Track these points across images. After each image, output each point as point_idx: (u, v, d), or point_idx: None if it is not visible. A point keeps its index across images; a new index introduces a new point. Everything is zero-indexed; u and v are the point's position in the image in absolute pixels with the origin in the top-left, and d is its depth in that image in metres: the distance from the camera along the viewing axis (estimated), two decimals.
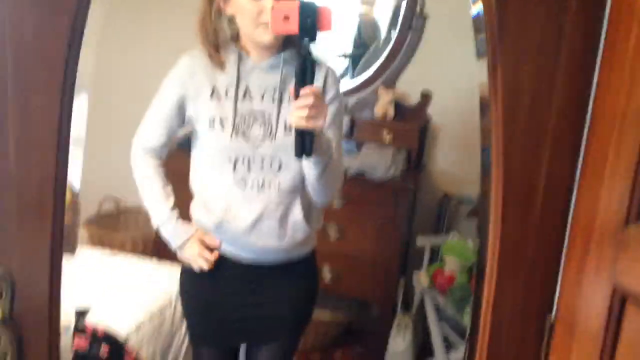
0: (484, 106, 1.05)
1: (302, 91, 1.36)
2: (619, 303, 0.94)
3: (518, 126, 1.00)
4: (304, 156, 1.44)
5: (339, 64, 3.61)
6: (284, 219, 1.67)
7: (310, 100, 1.35)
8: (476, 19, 1.04)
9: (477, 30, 1.05)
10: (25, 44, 1.02)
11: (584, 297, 0.98)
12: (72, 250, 1.13)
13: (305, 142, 1.40)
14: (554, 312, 1.05)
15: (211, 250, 1.70)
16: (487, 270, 1.07)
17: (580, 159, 1.00)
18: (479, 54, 1.07)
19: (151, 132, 1.71)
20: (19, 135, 1.07)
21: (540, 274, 1.05)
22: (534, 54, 0.99)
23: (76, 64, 1.05)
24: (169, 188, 1.74)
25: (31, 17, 1.02)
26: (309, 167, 1.57)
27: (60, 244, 1.08)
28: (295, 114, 1.37)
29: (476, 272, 2.02)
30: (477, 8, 1.02)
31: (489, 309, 1.07)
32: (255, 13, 1.52)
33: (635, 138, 0.90)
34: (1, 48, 1.02)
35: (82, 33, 1.03)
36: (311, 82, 1.37)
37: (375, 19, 3.62)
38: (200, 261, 1.69)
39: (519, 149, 1.01)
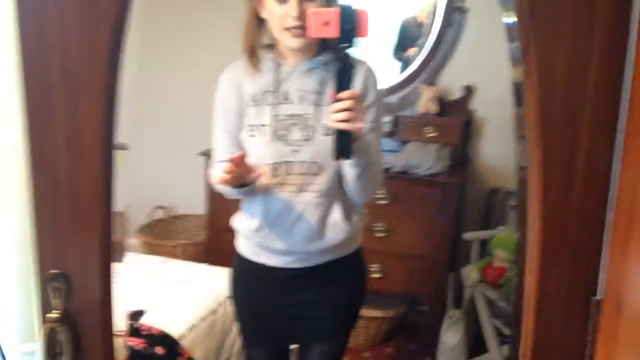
0: (518, 93, 1.04)
1: (342, 94, 1.37)
2: None
3: (554, 107, 0.98)
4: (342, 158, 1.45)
5: (391, 62, 3.59)
6: (323, 220, 1.68)
7: (349, 103, 1.36)
8: (509, 27, 1.03)
9: (510, 39, 1.04)
10: (71, 52, 1.06)
11: (630, 277, 0.96)
12: (119, 259, 1.17)
13: (344, 145, 1.40)
14: (598, 294, 1.04)
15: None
16: (530, 253, 1.06)
17: (620, 138, 0.99)
18: (514, 61, 1.05)
19: (228, 154, 1.61)
20: (68, 144, 1.11)
21: (583, 254, 1.03)
22: (566, 31, 0.97)
23: (118, 70, 1.09)
24: None
25: (75, 27, 1.06)
26: (347, 169, 1.58)
27: (108, 248, 1.13)
28: (334, 116, 1.38)
29: (519, 257, 1.99)
30: (510, 18, 1.01)
31: (532, 292, 1.06)
32: (280, 17, 1.54)
33: None
34: (50, 57, 1.06)
35: (122, 41, 1.07)
36: (350, 85, 1.39)
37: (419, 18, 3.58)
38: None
39: (556, 130, 0.99)
